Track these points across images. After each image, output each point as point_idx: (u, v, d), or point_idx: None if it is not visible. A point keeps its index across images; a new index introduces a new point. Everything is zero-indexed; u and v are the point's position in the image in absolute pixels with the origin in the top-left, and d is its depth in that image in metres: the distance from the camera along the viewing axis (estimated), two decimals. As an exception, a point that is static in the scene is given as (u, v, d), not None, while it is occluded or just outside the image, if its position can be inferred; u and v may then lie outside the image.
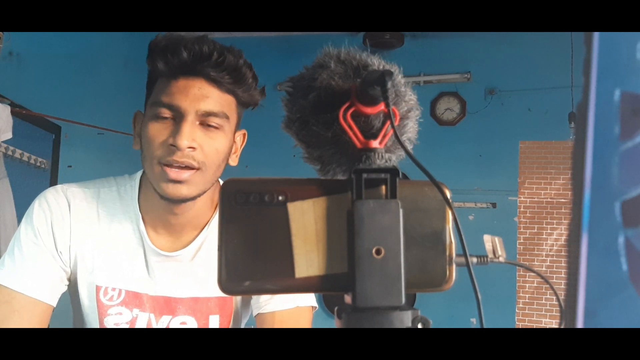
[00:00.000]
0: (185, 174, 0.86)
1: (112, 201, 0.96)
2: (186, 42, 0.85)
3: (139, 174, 0.98)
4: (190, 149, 0.85)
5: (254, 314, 0.98)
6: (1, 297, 0.88)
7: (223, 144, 0.90)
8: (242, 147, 1.00)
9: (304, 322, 0.96)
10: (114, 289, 0.94)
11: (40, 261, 0.91)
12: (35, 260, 0.91)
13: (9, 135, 2.00)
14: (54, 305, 0.92)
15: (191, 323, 0.97)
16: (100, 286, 0.94)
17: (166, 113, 0.87)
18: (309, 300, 0.98)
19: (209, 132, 0.88)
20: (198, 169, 0.87)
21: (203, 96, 0.87)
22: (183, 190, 0.87)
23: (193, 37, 0.86)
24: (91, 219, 0.94)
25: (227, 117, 0.90)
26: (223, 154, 0.91)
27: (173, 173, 0.85)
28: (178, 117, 0.87)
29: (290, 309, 0.95)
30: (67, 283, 0.95)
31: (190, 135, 0.85)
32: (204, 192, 0.91)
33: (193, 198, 0.90)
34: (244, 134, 0.99)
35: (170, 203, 0.90)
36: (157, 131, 0.87)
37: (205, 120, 0.87)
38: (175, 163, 0.85)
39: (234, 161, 0.97)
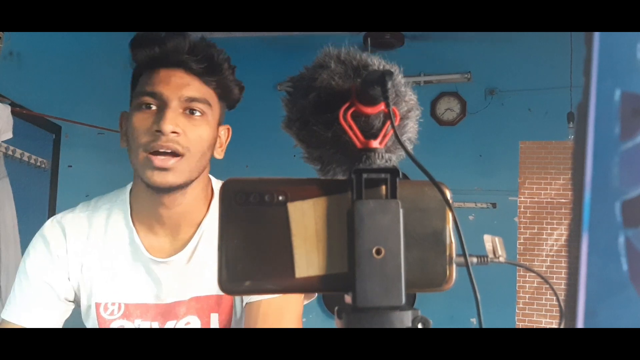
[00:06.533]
0: (170, 161, 0.88)
1: (106, 220, 0.98)
2: (165, 35, 0.90)
3: (129, 185, 1.00)
4: (175, 134, 0.87)
5: (243, 304, 0.99)
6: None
7: (206, 132, 0.92)
8: (227, 141, 1.02)
9: (290, 309, 0.95)
10: (113, 304, 0.95)
11: (39, 292, 0.94)
12: (33, 292, 0.94)
13: (9, 135, 2.00)
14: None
15: (195, 322, 0.97)
16: (99, 303, 0.95)
17: (149, 101, 0.90)
18: None
19: (192, 119, 0.91)
20: (182, 155, 0.88)
21: (184, 84, 0.90)
22: (169, 178, 0.88)
23: (171, 33, 0.91)
24: (87, 242, 0.96)
25: (209, 105, 0.93)
26: (207, 142, 0.93)
27: (158, 161, 0.87)
28: (161, 105, 0.89)
29: (275, 297, 0.94)
30: (70, 307, 0.98)
31: (173, 120, 0.88)
32: (191, 180, 0.92)
33: (180, 186, 0.90)
34: (228, 129, 1.02)
35: (159, 193, 0.91)
36: (142, 120, 0.89)
37: (188, 107, 0.90)
38: (161, 148, 0.87)
39: (219, 154, 0.99)
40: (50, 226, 0.97)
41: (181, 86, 0.90)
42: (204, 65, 0.91)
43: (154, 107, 0.89)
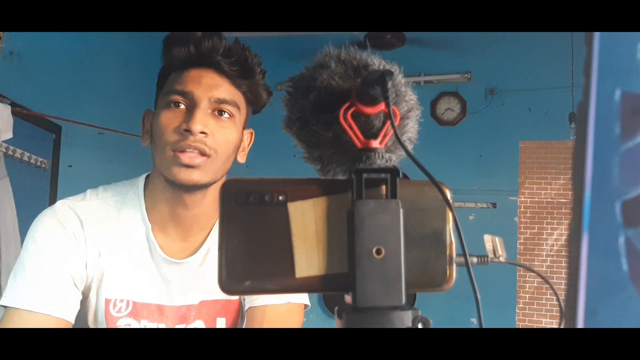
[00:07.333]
0: (197, 159, 0.87)
1: (118, 212, 0.94)
2: (200, 35, 0.90)
3: (142, 178, 0.98)
4: (203, 135, 0.87)
5: (245, 308, 0.98)
6: (19, 320, 0.84)
7: (233, 134, 0.92)
8: (250, 146, 1.01)
9: (294, 318, 0.96)
10: (122, 301, 0.92)
11: (55, 279, 0.87)
12: (51, 278, 0.86)
13: (9, 135, 2.00)
14: (72, 322, 0.88)
15: (200, 327, 0.96)
16: (109, 299, 0.92)
17: (179, 100, 0.89)
18: (301, 297, 0.98)
19: (220, 121, 0.91)
20: (209, 156, 0.88)
21: (216, 85, 0.90)
22: (195, 175, 0.87)
23: (206, 32, 0.91)
24: (102, 233, 0.92)
25: (238, 107, 0.93)
26: (233, 144, 0.93)
27: (186, 158, 0.86)
28: (191, 105, 0.89)
29: (280, 304, 0.95)
30: (81, 298, 0.92)
31: (203, 120, 0.87)
32: (214, 181, 0.91)
33: (204, 185, 0.90)
34: (252, 133, 1.01)
35: (181, 191, 0.91)
36: (170, 119, 0.89)
37: (218, 108, 0.90)
38: (188, 148, 0.86)
39: (242, 158, 0.99)
40: (64, 211, 0.91)
41: (212, 87, 0.90)
42: (236, 67, 0.91)
43: (182, 106, 0.89)
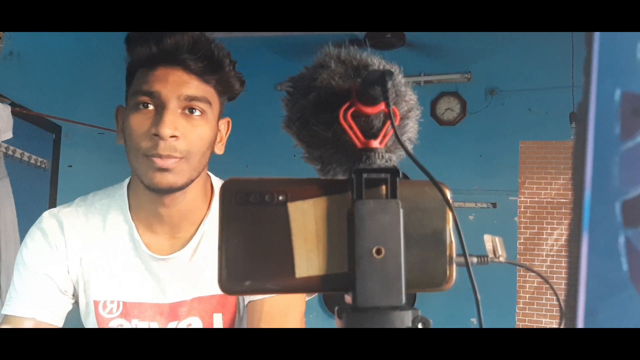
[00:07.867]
0: (170, 161, 0.85)
1: (104, 215, 0.96)
2: (163, 33, 0.87)
3: (126, 181, 0.99)
4: (174, 138, 0.85)
5: (246, 302, 0.98)
6: (7, 325, 0.91)
7: (206, 132, 0.90)
8: (228, 134, 0.99)
9: (295, 308, 0.95)
10: (112, 302, 0.94)
11: (39, 283, 0.92)
12: (34, 284, 0.92)
13: (9, 135, 2.00)
14: (59, 324, 0.93)
15: (196, 323, 0.96)
16: (98, 301, 0.94)
17: (147, 101, 0.87)
18: None
19: (191, 120, 0.88)
20: (183, 157, 0.86)
21: (183, 82, 0.87)
22: (170, 178, 0.86)
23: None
24: (85, 237, 0.95)
25: (209, 103, 0.90)
26: (207, 142, 0.91)
27: (159, 162, 0.85)
28: (160, 106, 0.86)
29: (279, 296, 0.93)
30: (72, 301, 0.96)
31: (172, 123, 0.85)
32: (191, 180, 0.90)
33: (180, 187, 0.89)
34: (228, 122, 0.99)
35: (159, 194, 0.90)
36: (139, 122, 0.86)
37: (188, 106, 0.88)
38: (159, 156, 0.85)
39: (220, 150, 0.97)
40: (48, 219, 0.95)
41: (180, 85, 0.87)
42: (203, 63, 0.88)
43: (151, 107, 0.87)
